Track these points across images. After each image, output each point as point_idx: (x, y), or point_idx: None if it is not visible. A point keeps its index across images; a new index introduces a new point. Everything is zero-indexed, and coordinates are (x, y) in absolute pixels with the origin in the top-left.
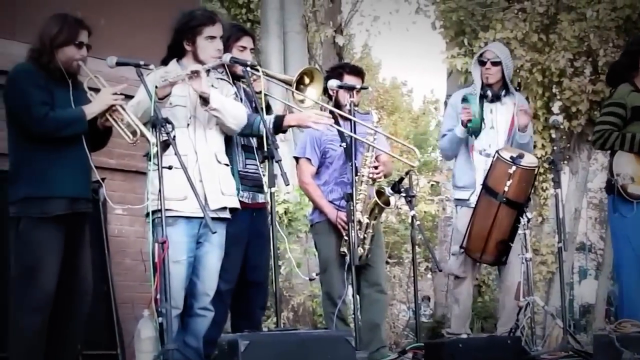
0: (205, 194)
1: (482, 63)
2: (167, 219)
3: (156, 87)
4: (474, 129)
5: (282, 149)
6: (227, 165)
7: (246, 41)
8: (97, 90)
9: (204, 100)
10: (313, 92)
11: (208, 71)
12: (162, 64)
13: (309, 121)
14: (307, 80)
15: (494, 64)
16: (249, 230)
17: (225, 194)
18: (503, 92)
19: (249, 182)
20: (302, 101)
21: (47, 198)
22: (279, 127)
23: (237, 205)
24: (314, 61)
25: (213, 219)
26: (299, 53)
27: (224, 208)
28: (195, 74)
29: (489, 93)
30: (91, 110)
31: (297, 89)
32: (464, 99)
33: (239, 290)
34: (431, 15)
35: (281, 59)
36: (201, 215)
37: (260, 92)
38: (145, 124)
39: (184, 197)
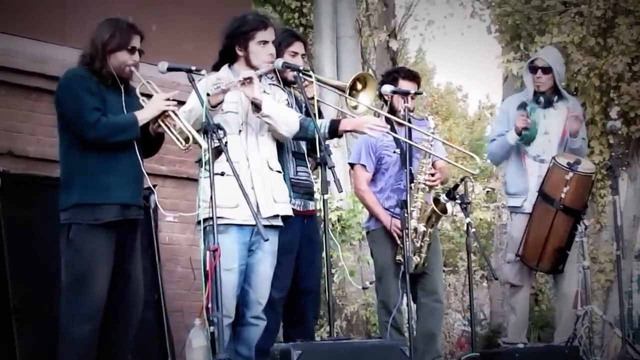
0: (257, 201)
1: (533, 70)
2: (218, 227)
3: (208, 94)
4: (528, 139)
5: (335, 155)
6: (279, 172)
7: (298, 47)
8: (149, 96)
9: (256, 107)
10: (366, 98)
11: (260, 77)
12: (214, 70)
13: (365, 127)
14: (360, 86)
15: (545, 71)
16: (300, 238)
17: (277, 201)
18: (555, 98)
19: (300, 189)
20: (355, 107)
21: (98, 205)
22: (335, 131)
23: (290, 213)
24: (368, 66)
25: (265, 226)
26: (352, 58)
27: (276, 216)
28: (247, 80)
29: (542, 99)
30: (143, 116)
31: (350, 94)
32: (523, 106)
33: (292, 299)
34: (486, 19)
35: (334, 64)
36: (253, 222)
37: (312, 98)
38: (197, 131)
39: (236, 205)
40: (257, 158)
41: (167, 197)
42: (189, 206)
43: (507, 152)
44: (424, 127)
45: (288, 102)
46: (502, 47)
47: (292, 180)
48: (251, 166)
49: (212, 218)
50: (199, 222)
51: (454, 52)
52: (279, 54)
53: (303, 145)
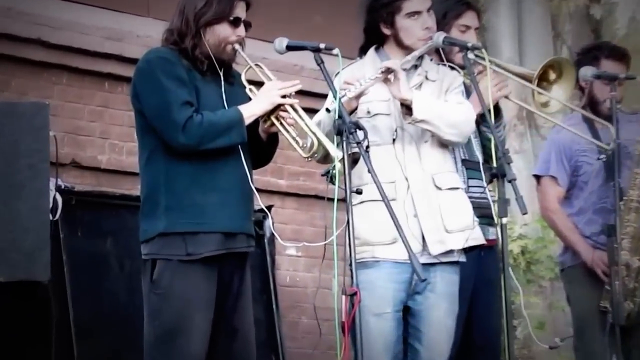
0: (422, 233)
1: None
2: (366, 261)
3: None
4: None
5: (516, 163)
6: (452, 189)
7: (470, 18)
8: (259, 85)
9: (407, 108)
10: (561, 92)
11: (421, 58)
12: (361, 54)
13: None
14: (553, 76)
15: None
16: (476, 276)
17: (451, 230)
18: None
19: (474, 211)
20: (545, 104)
21: (193, 233)
22: None
23: (476, 242)
24: (561, 41)
25: (436, 264)
26: (539, 30)
27: (451, 251)
28: (389, 73)
29: None
30: (252, 111)
31: (539, 86)
32: None
33: (463, 356)
34: None
35: (515, 39)
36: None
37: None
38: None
39: (393, 240)
40: (419, 175)
41: (287, 223)
42: (316, 234)
43: None
44: (636, 124)
45: (463, 91)
46: None
47: None
48: (412, 187)
49: (350, 251)
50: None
51: None
52: (444, 29)
53: (478, 151)
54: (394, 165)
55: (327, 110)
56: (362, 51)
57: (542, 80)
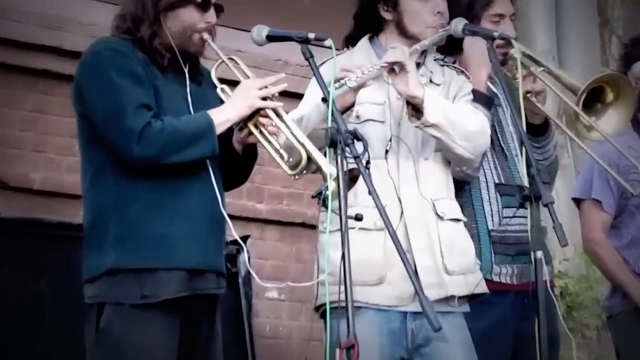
0: (416, 271)
1: None
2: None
3: (323, 99)
4: None
5: (555, 182)
6: (455, 220)
7: (502, 4)
8: (233, 84)
9: (415, 109)
10: (614, 119)
11: (424, 54)
12: (347, 44)
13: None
14: (610, 96)
15: None
16: (516, 329)
17: (452, 272)
18: None
19: (509, 248)
20: (589, 128)
21: (150, 271)
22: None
23: (480, 290)
24: (609, 29)
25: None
26: (582, 16)
27: (451, 297)
28: (395, 65)
29: None
30: (224, 116)
31: (587, 105)
32: None
33: None
34: None
35: (552, 27)
36: (404, 308)
37: (529, 93)
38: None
39: (378, 281)
40: (415, 198)
41: (267, 257)
42: (304, 272)
43: None
44: None
45: (473, 97)
46: None
47: (494, 234)
48: (406, 213)
49: (346, 292)
50: (317, 308)
51: None
52: (473, 20)
53: (518, 171)
54: (386, 184)
55: (324, 100)
56: (349, 42)
57: (596, 99)
